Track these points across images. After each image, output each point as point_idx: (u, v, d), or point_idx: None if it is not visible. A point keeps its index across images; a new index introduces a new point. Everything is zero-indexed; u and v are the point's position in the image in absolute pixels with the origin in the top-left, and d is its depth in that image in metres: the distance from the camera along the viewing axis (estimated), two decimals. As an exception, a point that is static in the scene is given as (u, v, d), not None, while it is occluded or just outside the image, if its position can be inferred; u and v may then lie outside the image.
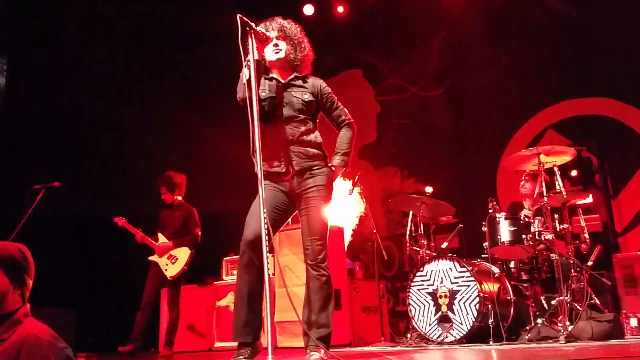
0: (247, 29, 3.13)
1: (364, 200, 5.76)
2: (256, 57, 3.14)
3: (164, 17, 8.19)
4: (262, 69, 3.43)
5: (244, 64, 3.11)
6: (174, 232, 6.07)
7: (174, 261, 5.93)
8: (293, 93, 3.40)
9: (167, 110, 8.30)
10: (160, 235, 6.07)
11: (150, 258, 6.00)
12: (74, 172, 7.64)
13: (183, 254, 5.96)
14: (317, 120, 3.54)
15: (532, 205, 5.47)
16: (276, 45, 3.40)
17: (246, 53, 3.10)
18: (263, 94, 3.36)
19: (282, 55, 3.42)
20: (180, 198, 6.20)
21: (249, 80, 3.03)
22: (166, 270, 5.91)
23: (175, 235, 6.05)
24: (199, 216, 6.19)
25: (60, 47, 8.12)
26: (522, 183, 5.67)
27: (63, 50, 8.12)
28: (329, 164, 3.42)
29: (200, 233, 6.10)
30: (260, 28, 3.33)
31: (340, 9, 8.64)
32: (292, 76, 3.46)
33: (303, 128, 3.36)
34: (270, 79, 3.44)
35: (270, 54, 3.42)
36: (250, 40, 3.13)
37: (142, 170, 6.24)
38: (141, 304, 5.83)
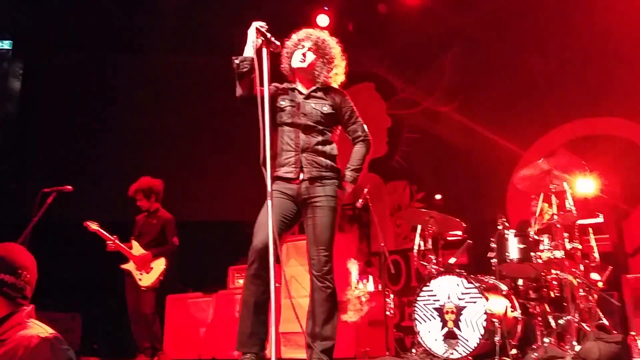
0: (263, 39, 3.15)
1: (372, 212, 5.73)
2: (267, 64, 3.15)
3: (169, 24, 8.24)
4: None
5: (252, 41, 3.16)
6: (151, 240, 5.87)
7: (148, 270, 5.74)
8: (313, 105, 3.40)
9: (176, 116, 8.35)
10: (134, 243, 5.86)
11: (124, 266, 5.80)
12: (84, 176, 7.66)
13: (158, 263, 5.78)
14: (338, 133, 3.53)
15: (538, 224, 5.42)
16: (304, 54, 3.41)
17: (260, 62, 3.11)
18: (283, 103, 3.39)
19: (304, 65, 3.43)
20: (157, 205, 6.01)
21: (262, 98, 3.00)
22: (140, 280, 5.72)
23: (152, 244, 5.85)
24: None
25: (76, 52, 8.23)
26: (534, 202, 5.62)
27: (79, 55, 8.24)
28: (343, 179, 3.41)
29: (177, 242, 5.90)
30: (296, 35, 3.39)
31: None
32: (313, 87, 3.47)
33: (320, 138, 3.36)
34: (292, 90, 3.46)
35: (295, 61, 3.44)
36: (264, 50, 3.15)
37: (150, 176, 6.26)
38: (129, 316, 5.69)
